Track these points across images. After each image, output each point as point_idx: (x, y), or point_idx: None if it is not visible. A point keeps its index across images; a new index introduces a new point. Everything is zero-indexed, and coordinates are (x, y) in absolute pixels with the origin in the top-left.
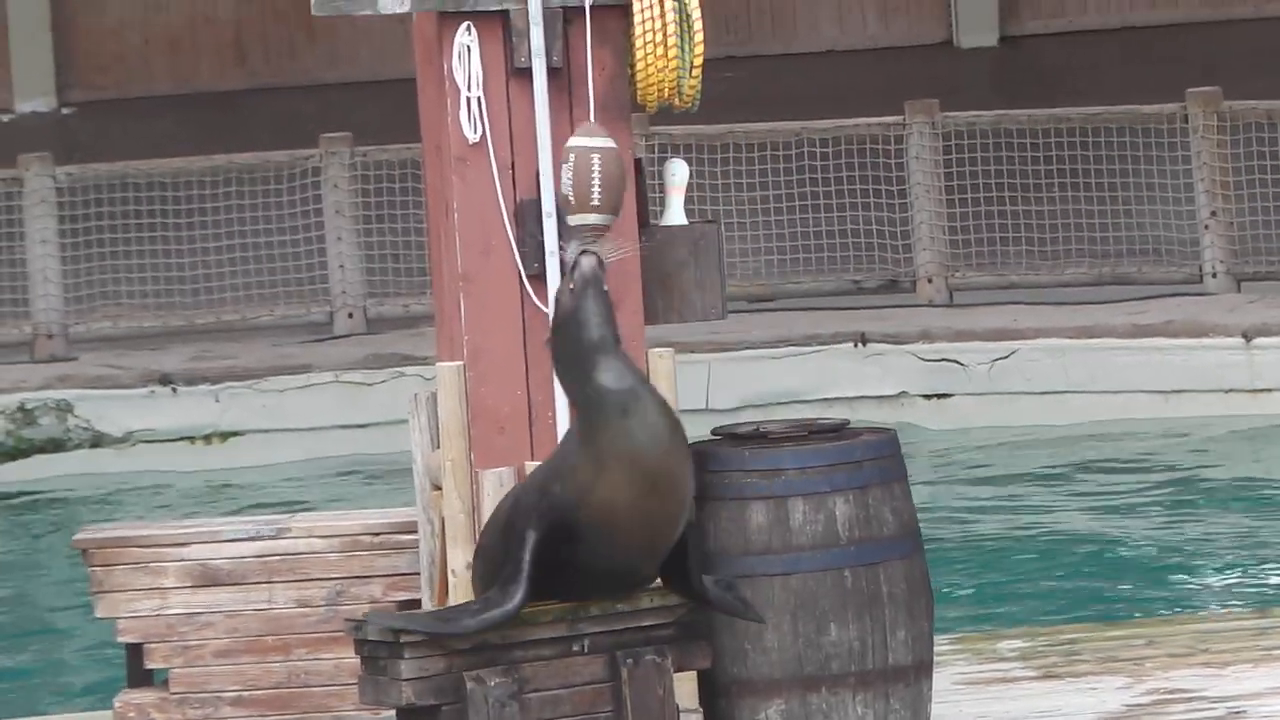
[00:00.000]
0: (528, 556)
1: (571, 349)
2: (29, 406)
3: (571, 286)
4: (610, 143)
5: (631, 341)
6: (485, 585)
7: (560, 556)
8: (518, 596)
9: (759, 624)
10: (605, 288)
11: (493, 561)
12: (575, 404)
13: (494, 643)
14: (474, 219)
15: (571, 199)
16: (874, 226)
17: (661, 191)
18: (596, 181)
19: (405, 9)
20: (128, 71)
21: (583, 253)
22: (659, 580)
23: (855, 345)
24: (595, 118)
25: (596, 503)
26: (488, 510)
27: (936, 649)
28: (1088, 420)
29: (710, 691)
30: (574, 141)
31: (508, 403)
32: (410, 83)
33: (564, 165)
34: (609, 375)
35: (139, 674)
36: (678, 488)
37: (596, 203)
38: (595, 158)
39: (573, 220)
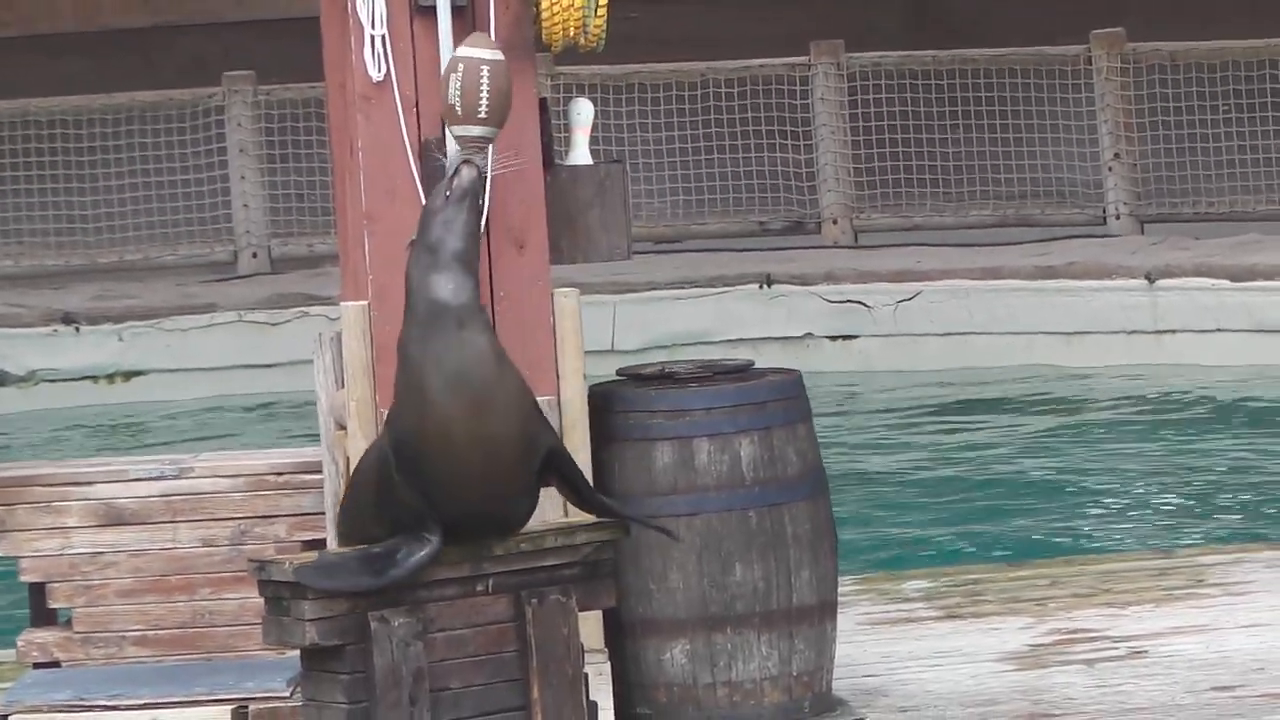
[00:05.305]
0: (424, 500)
1: (430, 252)
2: None
3: (448, 194)
4: (499, 55)
5: (536, 282)
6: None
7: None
8: (436, 534)
9: (672, 540)
10: (480, 202)
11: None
12: (413, 309)
13: None
14: (378, 158)
15: (458, 109)
16: (779, 168)
17: (566, 131)
18: (485, 93)
19: None
20: (31, 7)
21: (465, 162)
22: (574, 511)
23: (760, 287)
24: None
25: (432, 420)
26: None
27: (841, 589)
28: (991, 362)
29: (616, 631)
30: (463, 51)
31: None
32: (314, 21)
33: (451, 75)
34: (457, 287)
35: (42, 613)
36: (508, 415)
37: (483, 114)
38: (485, 69)
39: (456, 130)
